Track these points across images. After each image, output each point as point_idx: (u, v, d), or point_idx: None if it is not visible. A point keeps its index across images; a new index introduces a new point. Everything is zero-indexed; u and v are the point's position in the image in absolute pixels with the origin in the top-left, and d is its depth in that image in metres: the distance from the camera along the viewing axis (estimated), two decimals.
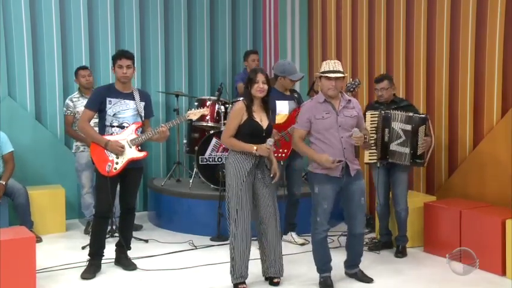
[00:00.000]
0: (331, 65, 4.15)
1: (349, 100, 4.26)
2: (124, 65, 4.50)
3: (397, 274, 4.62)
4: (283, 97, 5.42)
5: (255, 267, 4.39)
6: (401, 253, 5.08)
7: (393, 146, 4.91)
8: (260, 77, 4.14)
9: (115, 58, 4.54)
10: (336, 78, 4.11)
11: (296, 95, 5.58)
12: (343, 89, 4.52)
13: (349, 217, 4.34)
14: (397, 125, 4.89)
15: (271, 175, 4.21)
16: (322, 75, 4.15)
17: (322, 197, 4.16)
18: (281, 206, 5.50)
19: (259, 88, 4.13)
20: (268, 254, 4.28)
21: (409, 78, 5.88)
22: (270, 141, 4.12)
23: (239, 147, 4.15)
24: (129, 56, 4.56)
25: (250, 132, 4.14)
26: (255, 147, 4.09)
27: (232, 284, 4.23)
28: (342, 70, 4.15)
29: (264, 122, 4.19)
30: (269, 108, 4.28)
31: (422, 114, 4.97)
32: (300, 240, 5.50)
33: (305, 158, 6.28)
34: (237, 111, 4.17)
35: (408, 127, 4.86)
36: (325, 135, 4.15)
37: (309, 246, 5.31)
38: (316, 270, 4.34)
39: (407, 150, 4.86)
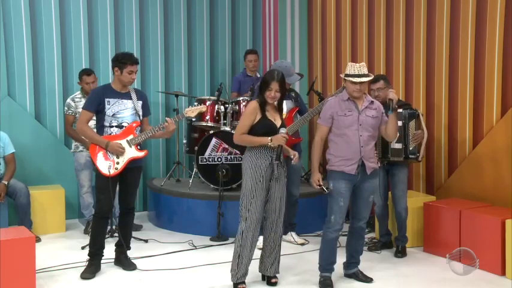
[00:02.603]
0: (356, 68, 4.18)
1: (372, 101, 4.30)
2: (134, 71, 4.52)
3: (397, 274, 4.62)
4: None
5: (254, 267, 4.38)
6: (401, 253, 5.08)
7: (393, 144, 4.95)
8: (274, 86, 4.12)
9: (124, 62, 4.48)
10: (361, 83, 4.15)
11: (294, 94, 5.55)
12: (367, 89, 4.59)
13: (354, 212, 4.38)
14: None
15: (292, 156, 4.19)
16: (347, 78, 4.18)
17: (337, 193, 4.19)
18: None
19: (271, 96, 4.15)
20: (269, 251, 4.29)
21: (409, 79, 5.88)
22: (283, 129, 4.13)
23: (252, 141, 4.16)
24: (138, 61, 4.57)
25: (264, 131, 4.13)
26: (269, 139, 4.08)
27: (231, 284, 4.22)
28: (367, 73, 4.19)
29: (277, 122, 4.22)
30: (282, 110, 4.31)
31: (412, 109, 5.04)
32: (300, 240, 5.50)
33: (303, 159, 6.29)
34: (251, 111, 4.18)
35: (400, 123, 4.91)
36: (345, 132, 4.19)
37: (309, 246, 5.36)
38: (318, 267, 4.34)
39: (400, 145, 4.93)
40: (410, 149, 4.96)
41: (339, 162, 4.20)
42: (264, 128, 4.14)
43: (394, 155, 4.98)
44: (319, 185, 4.22)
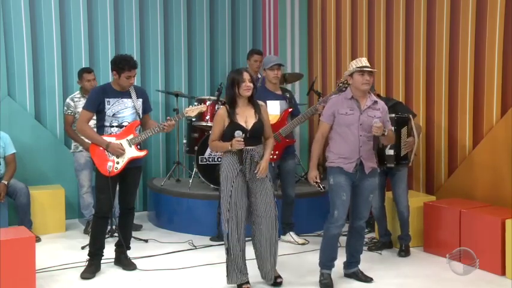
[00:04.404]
0: (363, 61, 4.21)
1: (376, 101, 4.29)
2: (132, 75, 4.50)
3: (397, 274, 4.62)
4: (274, 97, 5.37)
5: (254, 267, 4.37)
6: (404, 252, 5.08)
7: (387, 151, 4.93)
8: (246, 76, 4.13)
9: (122, 68, 4.44)
10: (369, 74, 4.16)
11: (288, 95, 5.53)
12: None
13: (353, 210, 4.37)
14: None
15: (256, 170, 4.14)
16: (357, 69, 4.17)
17: (338, 187, 4.18)
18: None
19: (247, 87, 4.13)
20: (263, 257, 4.23)
21: (408, 79, 5.87)
22: (237, 133, 4.08)
23: (219, 147, 4.22)
24: (136, 65, 4.54)
25: (231, 136, 4.12)
26: (229, 145, 4.09)
27: (228, 285, 4.22)
28: (370, 66, 4.23)
29: (249, 122, 4.16)
30: (257, 103, 4.24)
31: (403, 115, 4.97)
32: (300, 240, 5.49)
33: (302, 159, 6.28)
34: (218, 118, 4.20)
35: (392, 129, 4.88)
36: (345, 130, 4.20)
37: (308, 246, 5.35)
38: (318, 263, 4.34)
39: (392, 152, 4.90)
40: (402, 155, 4.93)
41: (338, 160, 4.21)
42: (231, 132, 4.13)
43: (388, 161, 4.97)
44: (316, 182, 4.22)
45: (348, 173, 4.19)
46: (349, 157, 4.18)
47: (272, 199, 4.23)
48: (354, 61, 4.27)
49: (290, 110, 5.43)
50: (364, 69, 4.16)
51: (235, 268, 4.17)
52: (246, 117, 4.17)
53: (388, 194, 5.28)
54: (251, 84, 4.15)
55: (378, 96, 5.16)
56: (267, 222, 4.20)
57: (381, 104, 4.34)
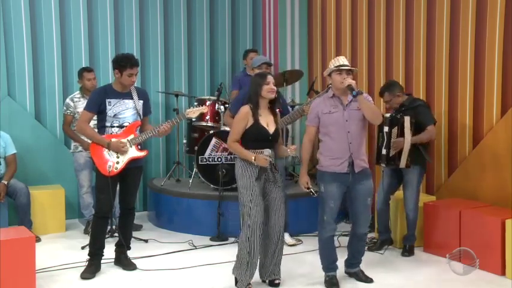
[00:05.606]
0: (341, 60, 4.18)
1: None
2: (134, 73, 4.50)
3: (397, 274, 4.62)
4: None
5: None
6: (408, 252, 5.08)
7: (382, 150, 4.93)
8: (270, 79, 4.12)
9: (124, 65, 4.45)
10: (347, 72, 4.11)
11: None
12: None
13: (353, 216, 4.36)
14: (385, 129, 4.90)
15: (289, 151, 4.16)
16: (334, 69, 4.14)
17: (328, 196, 4.18)
18: None
19: (271, 89, 4.10)
20: (270, 256, 4.23)
21: (408, 79, 5.87)
22: (266, 151, 4.07)
23: (239, 153, 4.13)
24: (138, 63, 4.54)
25: (255, 137, 4.10)
26: (253, 157, 4.03)
27: (231, 284, 4.21)
28: (349, 64, 4.19)
29: (270, 127, 4.15)
30: (276, 112, 4.25)
31: (397, 115, 4.93)
32: (292, 241, 5.44)
33: (287, 159, 6.26)
34: (243, 115, 4.11)
35: (386, 129, 4.89)
36: (332, 130, 4.16)
37: (308, 247, 5.34)
38: (321, 268, 4.34)
39: (385, 151, 4.90)
40: (390, 155, 4.90)
41: (329, 162, 4.17)
42: (255, 134, 4.10)
43: (381, 160, 4.96)
44: (307, 188, 4.24)
45: (341, 177, 4.16)
46: (341, 156, 4.14)
47: (284, 203, 4.24)
48: (332, 60, 4.24)
49: (279, 111, 5.41)
50: (341, 68, 4.13)
51: (246, 273, 4.10)
52: (268, 122, 4.15)
53: (399, 194, 5.26)
54: (275, 87, 4.13)
55: (409, 95, 5.16)
56: (280, 219, 4.20)
57: (364, 95, 4.24)
